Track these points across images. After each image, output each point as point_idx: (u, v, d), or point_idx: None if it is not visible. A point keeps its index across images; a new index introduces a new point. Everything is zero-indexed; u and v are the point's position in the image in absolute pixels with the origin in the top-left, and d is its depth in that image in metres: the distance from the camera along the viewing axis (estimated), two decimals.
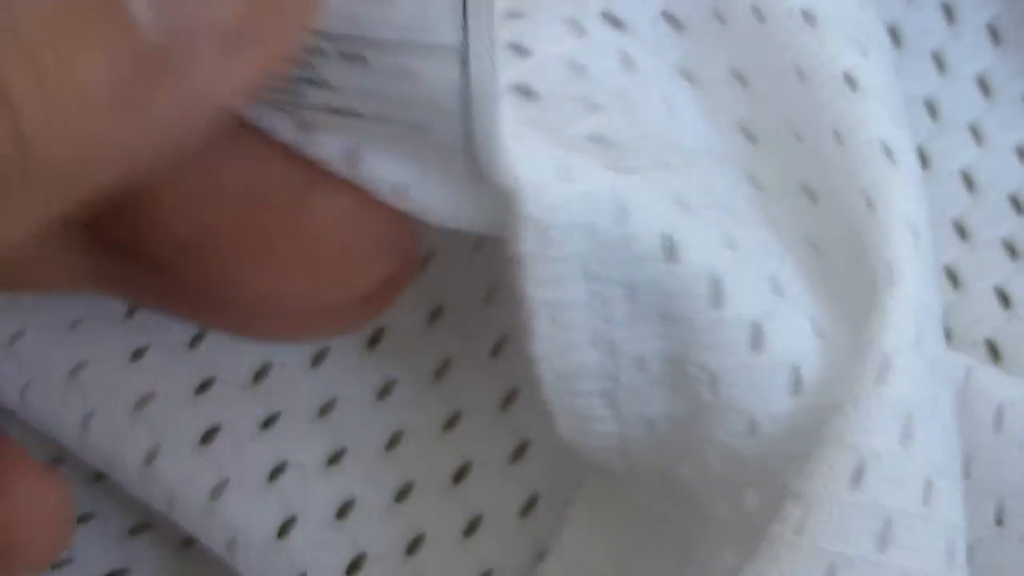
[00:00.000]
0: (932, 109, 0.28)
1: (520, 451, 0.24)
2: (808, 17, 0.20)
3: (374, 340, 0.25)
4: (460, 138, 0.17)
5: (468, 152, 0.17)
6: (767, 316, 0.19)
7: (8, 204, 0.14)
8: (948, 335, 0.27)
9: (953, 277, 0.28)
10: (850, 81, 0.20)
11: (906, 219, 0.19)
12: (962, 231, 0.28)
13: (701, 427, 0.19)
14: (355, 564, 0.24)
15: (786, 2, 0.20)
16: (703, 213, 0.19)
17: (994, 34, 0.28)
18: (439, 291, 0.25)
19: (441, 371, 0.25)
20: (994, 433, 0.24)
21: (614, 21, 0.20)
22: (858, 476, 0.18)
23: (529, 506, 0.24)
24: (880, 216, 0.19)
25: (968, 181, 0.28)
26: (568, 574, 0.23)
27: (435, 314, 0.25)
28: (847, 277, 0.20)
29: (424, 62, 0.16)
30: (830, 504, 0.18)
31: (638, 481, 0.22)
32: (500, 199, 0.18)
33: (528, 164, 0.18)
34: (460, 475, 0.24)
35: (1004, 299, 0.28)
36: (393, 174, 0.18)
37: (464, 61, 0.16)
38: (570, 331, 0.19)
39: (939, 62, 0.28)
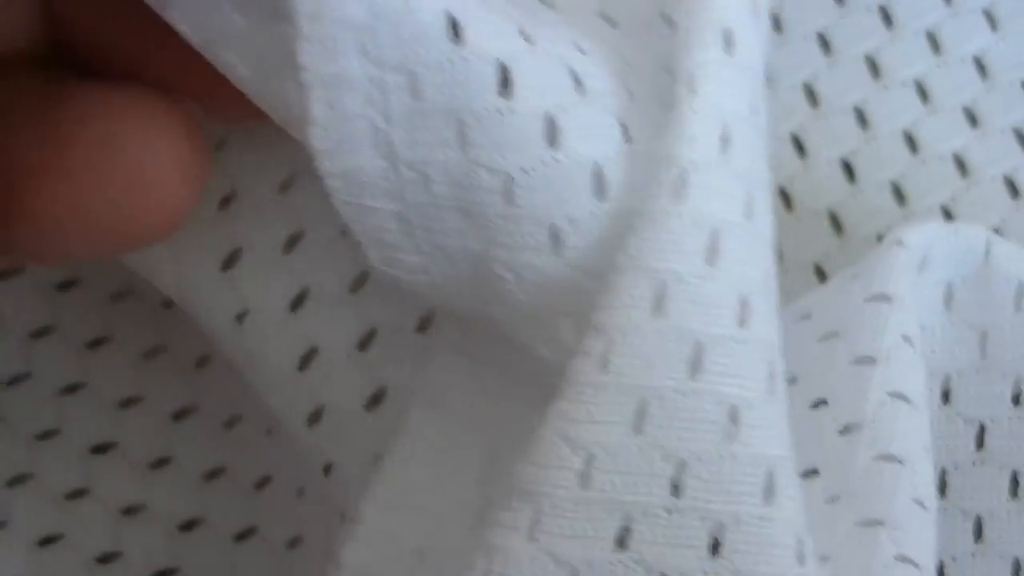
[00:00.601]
0: None
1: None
2: None
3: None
4: None
5: None
6: (562, 110, 0.17)
7: None
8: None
9: (962, 165, 0.26)
10: None
11: (717, 25, 0.17)
12: (973, 118, 0.26)
13: (500, 252, 0.18)
14: None
15: None
16: (496, 7, 0.17)
17: None
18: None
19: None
20: (1014, 312, 0.22)
21: None
22: (660, 301, 0.17)
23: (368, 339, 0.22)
24: (686, 23, 0.17)
25: (981, 67, 0.27)
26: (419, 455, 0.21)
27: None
28: (654, 88, 0.18)
29: None
30: (632, 335, 0.17)
31: (475, 327, 0.20)
32: None
33: None
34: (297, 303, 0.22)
35: (1012, 188, 0.26)
36: None
37: None
38: (347, 123, 0.17)
39: None
